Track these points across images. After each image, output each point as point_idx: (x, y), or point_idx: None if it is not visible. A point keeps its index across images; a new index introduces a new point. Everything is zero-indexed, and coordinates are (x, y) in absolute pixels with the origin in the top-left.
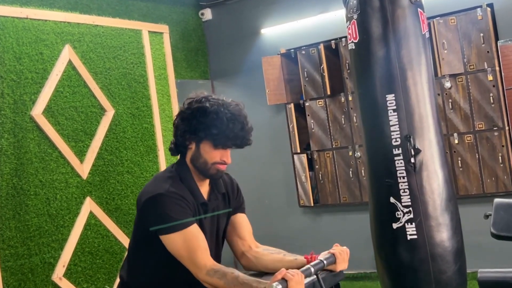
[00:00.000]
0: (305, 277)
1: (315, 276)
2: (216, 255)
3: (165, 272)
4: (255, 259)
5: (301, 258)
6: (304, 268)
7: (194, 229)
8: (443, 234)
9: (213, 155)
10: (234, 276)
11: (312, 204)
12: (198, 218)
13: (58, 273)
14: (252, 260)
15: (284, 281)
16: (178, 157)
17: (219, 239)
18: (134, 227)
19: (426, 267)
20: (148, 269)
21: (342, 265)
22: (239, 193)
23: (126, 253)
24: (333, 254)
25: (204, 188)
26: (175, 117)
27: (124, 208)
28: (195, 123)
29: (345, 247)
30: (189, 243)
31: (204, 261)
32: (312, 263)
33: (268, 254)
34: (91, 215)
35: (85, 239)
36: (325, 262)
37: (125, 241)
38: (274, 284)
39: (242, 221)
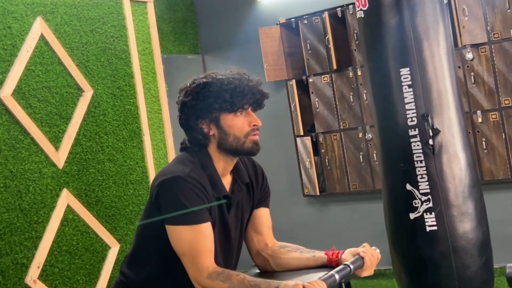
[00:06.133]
0: (329, 285)
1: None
2: (236, 258)
3: (171, 269)
4: (271, 258)
5: (320, 255)
6: (327, 275)
7: (206, 228)
8: (466, 225)
9: (240, 125)
10: (240, 278)
11: (318, 193)
12: (221, 215)
13: (32, 275)
14: (268, 259)
15: None
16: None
17: (242, 237)
18: (143, 213)
19: (448, 261)
20: (153, 264)
21: (369, 272)
22: (264, 182)
23: (131, 245)
24: (362, 258)
25: (226, 179)
26: (179, 113)
27: (106, 200)
28: (202, 103)
29: (377, 251)
30: (197, 242)
31: (207, 263)
32: (336, 269)
33: (284, 252)
34: (69, 209)
35: (62, 236)
36: (351, 267)
37: (107, 238)
38: None
39: (262, 215)
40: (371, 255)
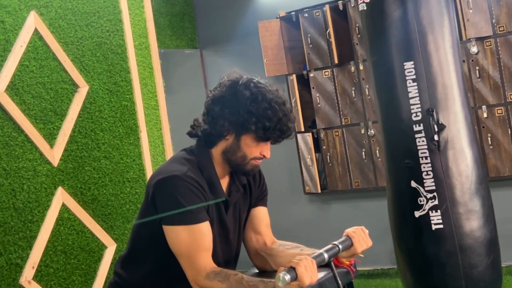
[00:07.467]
0: (318, 264)
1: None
2: (236, 258)
3: (167, 270)
4: (269, 257)
5: None
6: (316, 254)
7: (205, 227)
8: (473, 223)
9: (254, 150)
10: (238, 278)
11: (319, 191)
12: (219, 215)
13: (27, 276)
14: (266, 258)
15: (291, 268)
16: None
17: (241, 237)
18: (139, 213)
19: (454, 260)
20: (149, 265)
21: (362, 245)
22: (261, 182)
23: (126, 245)
24: (347, 236)
25: (224, 180)
26: (209, 100)
27: (102, 199)
28: (243, 113)
29: (360, 227)
30: (195, 242)
31: (205, 263)
32: (325, 248)
33: (283, 250)
34: (64, 208)
35: (58, 235)
36: (340, 246)
37: (103, 237)
38: (281, 274)
39: (260, 214)
40: (354, 229)
